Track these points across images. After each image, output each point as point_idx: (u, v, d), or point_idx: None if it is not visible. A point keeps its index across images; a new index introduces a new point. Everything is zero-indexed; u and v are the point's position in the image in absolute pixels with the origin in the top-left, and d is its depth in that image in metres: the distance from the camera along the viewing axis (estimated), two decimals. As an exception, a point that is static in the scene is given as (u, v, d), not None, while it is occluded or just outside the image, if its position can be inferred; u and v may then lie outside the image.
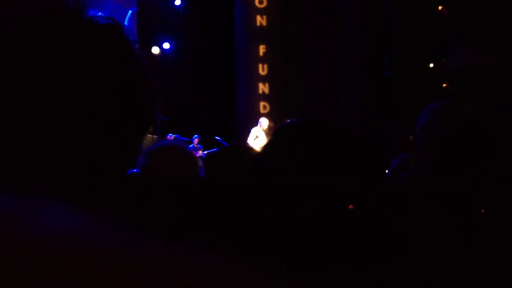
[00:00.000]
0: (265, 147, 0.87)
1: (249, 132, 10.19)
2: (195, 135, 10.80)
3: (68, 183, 0.47)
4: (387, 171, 2.30)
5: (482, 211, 0.92)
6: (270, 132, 8.75)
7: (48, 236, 0.34)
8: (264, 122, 10.08)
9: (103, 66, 0.55)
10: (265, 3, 11.61)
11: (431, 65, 11.60)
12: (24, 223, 0.35)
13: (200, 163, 2.46)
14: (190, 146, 10.83)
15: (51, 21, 0.55)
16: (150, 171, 1.83)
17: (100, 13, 0.60)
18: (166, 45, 12.24)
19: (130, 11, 9.97)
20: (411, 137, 1.40)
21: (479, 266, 0.72)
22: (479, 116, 1.09)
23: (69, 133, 0.53)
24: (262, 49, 11.59)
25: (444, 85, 11.16)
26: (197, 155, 9.41)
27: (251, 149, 2.25)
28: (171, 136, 10.76)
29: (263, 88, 11.60)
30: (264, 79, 11.61)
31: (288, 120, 0.91)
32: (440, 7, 11.40)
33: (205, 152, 9.56)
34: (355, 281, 0.61)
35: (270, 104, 11.54)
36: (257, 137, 9.85)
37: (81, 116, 0.53)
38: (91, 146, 0.55)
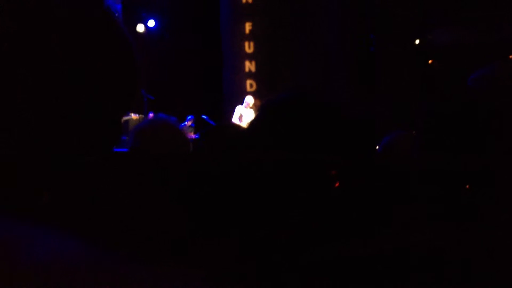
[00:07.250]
0: (252, 123, 0.87)
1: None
2: (189, 116, 10.68)
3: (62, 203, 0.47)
4: (378, 147, 2.30)
5: (467, 186, 0.93)
6: (256, 109, 8.68)
7: (42, 262, 0.34)
8: (250, 100, 9.94)
9: (83, 37, 0.54)
10: (250, -21, 11.46)
11: (417, 41, 11.61)
12: (20, 249, 0.35)
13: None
14: (182, 125, 10.74)
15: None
16: (140, 150, 1.79)
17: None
18: (151, 23, 12.08)
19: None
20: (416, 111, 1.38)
21: (464, 241, 0.73)
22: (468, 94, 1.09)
23: (51, 108, 0.52)
24: (248, 26, 11.47)
25: (430, 61, 11.19)
26: (189, 136, 9.34)
27: (238, 126, 2.25)
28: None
29: (249, 66, 11.51)
30: (250, 57, 11.52)
31: (275, 96, 0.90)
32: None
33: (197, 134, 9.50)
34: (345, 255, 0.62)
35: (256, 82, 11.48)
36: (241, 115, 9.73)
37: (62, 90, 0.52)
38: (73, 122, 0.54)
